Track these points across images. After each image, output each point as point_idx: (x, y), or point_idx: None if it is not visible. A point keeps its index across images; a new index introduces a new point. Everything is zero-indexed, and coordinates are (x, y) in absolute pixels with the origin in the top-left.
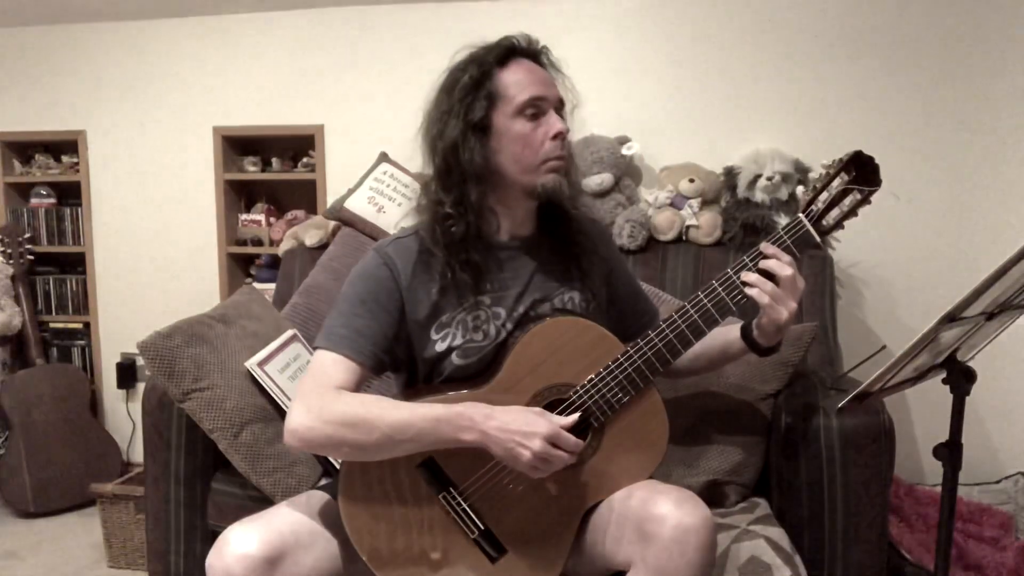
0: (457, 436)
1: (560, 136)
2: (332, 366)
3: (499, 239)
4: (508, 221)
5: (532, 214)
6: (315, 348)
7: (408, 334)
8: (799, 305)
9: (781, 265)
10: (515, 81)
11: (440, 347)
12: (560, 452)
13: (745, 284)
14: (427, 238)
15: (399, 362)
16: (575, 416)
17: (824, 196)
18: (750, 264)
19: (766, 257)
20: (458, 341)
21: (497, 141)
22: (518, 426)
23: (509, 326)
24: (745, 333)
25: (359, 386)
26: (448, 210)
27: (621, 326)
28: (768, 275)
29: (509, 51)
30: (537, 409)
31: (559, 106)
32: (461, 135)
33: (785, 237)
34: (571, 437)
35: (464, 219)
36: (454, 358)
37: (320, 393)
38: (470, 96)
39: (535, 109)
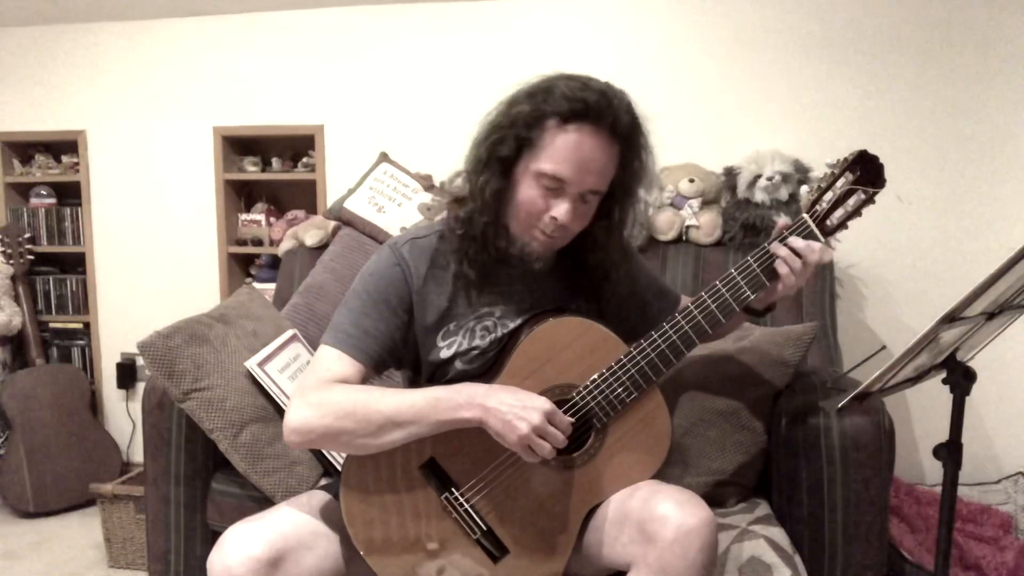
0: (456, 414)
1: (556, 221)
2: (336, 363)
3: (512, 252)
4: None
5: None
6: (321, 344)
7: (415, 336)
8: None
9: (812, 250)
10: (557, 149)
11: (445, 354)
12: (555, 432)
13: (775, 256)
14: (446, 234)
15: (402, 361)
16: (571, 420)
17: (829, 196)
18: (755, 266)
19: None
20: (463, 348)
21: (513, 182)
22: (518, 400)
23: (516, 331)
24: None
25: (361, 384)
26: (464, 215)
27: (643, 324)
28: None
29: (579, 114)
30: (534, 393)
31: (587, 193)
32: (486, 160)
33: (788, 238)
34: (565, 419)
35: (479, 228)
36: (458, 364)
37: (318, 387)
38: (508, 129)
39: (554, 185)
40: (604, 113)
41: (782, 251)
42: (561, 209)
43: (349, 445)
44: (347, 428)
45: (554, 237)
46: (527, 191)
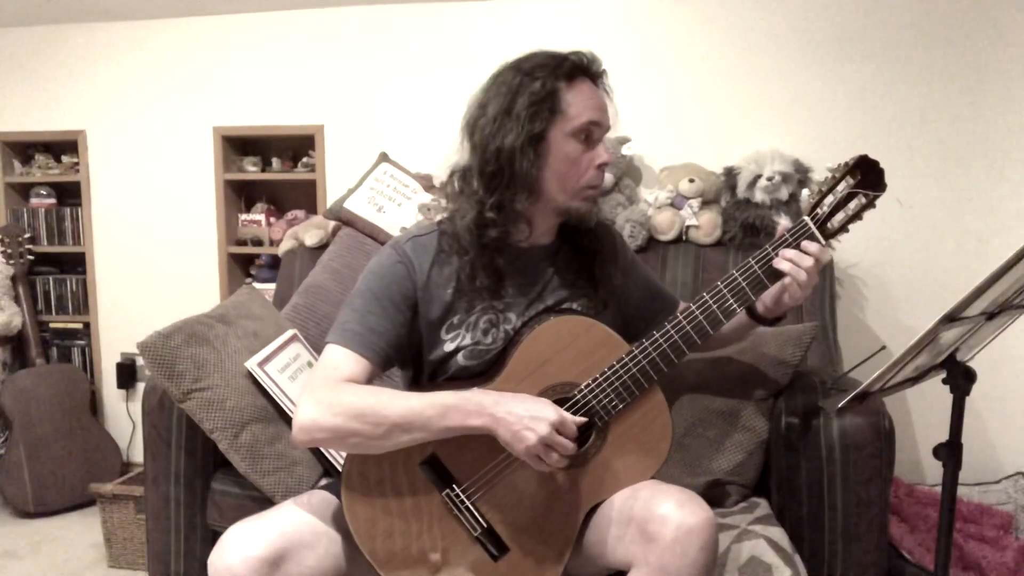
0: (466, 422)
1: (603, 167)
2: (343, 361)
3: (521, 245)
4: (535, 230)
5: (555, 224)
6: (327, 343)
7: (419, 333)
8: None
9: (809, 257)
10: (581, 102)
11: (448, 347)
12: (563, 441)
13: (782, 260)
14: (462, 236)
15: (407, 360)
16: (583, 419)
17: (829, 199)
18: (756, 268)
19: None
20: (466, 342)
21: (547, 155)
22: (527, 410)
23: (519, 329)
24: (750, 310)
25: (368, 382)
26: (489, 214)
27: (639, 327)
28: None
29: (576, 69)
30: (544, 399)
31: (603, 135)
32: (521, 144)
33: (790, 240)
34: (573, 427)
35: (501, 225)
36: (460, 358)
37: (328, 386)
38: (535, 106)
39: (589, 134)
40: (590, 66)
41: (784, 263)
42: (600, 152)
43: (356, 446)
44: (356, 430)
45: (599, 186)
46: (567, 152)
